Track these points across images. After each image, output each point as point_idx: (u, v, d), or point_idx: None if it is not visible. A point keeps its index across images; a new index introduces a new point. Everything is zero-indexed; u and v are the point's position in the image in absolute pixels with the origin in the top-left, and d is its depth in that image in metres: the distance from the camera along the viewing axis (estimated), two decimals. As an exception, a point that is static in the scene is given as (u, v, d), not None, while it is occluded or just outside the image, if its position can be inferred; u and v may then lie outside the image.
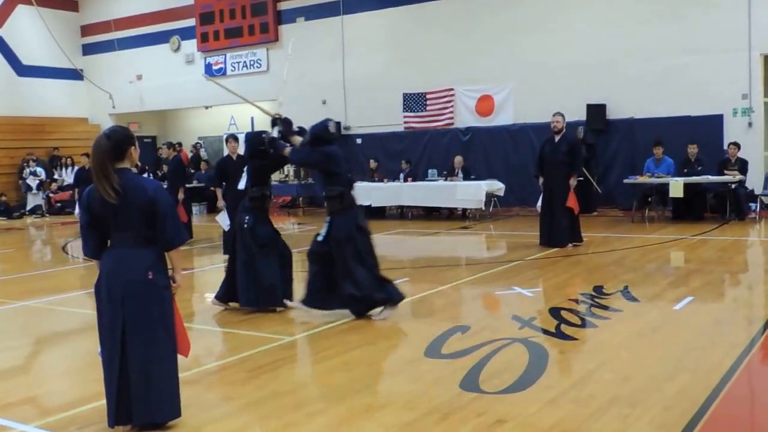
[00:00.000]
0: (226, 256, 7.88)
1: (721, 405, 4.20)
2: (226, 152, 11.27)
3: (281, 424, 4.14)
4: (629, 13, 14.92)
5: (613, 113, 15.17)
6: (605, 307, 6.71)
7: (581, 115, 15.17)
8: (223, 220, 9.74)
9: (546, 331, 5.90)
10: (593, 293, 7.34)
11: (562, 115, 10.59)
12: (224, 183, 10.27)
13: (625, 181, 13.79)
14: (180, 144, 14.45)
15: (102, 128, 23.71)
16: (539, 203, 10.75)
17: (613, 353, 5.30)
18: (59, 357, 6.32)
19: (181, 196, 12.37)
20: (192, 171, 20.50)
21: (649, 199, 13.82)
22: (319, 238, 6.76)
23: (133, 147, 4.02)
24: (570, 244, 10.44)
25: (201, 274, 10.41)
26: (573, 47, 15.45)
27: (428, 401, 4.42)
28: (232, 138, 10.81)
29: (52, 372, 5.78)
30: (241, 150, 9.23)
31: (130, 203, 3.90)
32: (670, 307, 6.70)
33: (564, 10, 15.60)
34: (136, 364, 3.94)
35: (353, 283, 6.47)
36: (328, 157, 6.71)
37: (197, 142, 22.64)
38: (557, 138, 10.49)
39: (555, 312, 6.53)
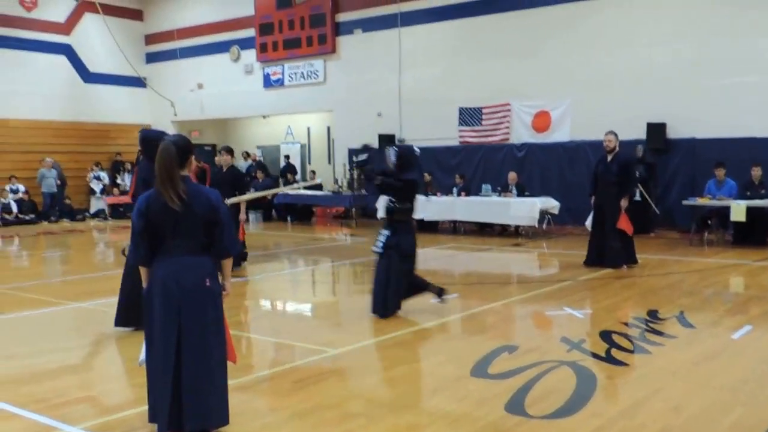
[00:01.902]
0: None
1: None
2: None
3: (323, 439, 4.14)
4: (693, 29, 14.57)
5: (674, 132, 14.81)
6: (659, 333, 6.53)
7: (640, 133, 14.86)
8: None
9: (596, 355, 5.77)
10: (647, 317, 7.16)
11: (615, 134, 10.44)
12: None
13: (685, 202, 13.44)
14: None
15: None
16: (588, 221, 10.65)
17: (665, 381, 5.14)
18: (107, 360, 6.44)
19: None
20: (248, 179, 20.79)
21: (709, 221, 13.43)
22: (378, 249, 7.27)
23: (192, 155, 4.11)
24: (625, 266, 10.22)
25: (254, 282, 10.51)
26: (633, 63, 15.17)
27: (472, 423, 4.36)
28: (225, 150, 10.67)
29: (99, 374, 5.90)
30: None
31: (192, 211, 3.95)
32: (728, 335, 6.48)
33: (625, 25, 15.32)
34: (190, 371, 3.97)
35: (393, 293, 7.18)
36: (414, 185, 7.43)
37: (243, 152, 22.99)
38: (609, 157, 10.36)
39: (606, 335, 6.38)
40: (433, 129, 17.87)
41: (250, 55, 21.89)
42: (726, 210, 12.59)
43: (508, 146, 16.99)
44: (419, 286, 7.52)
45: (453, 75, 17.69)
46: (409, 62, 18.51)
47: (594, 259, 10.45)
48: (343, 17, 19.88)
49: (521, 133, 16.82)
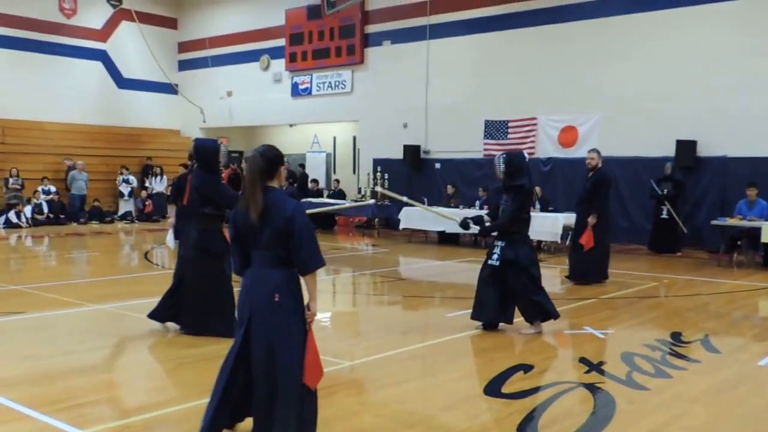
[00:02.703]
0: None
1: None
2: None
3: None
4: (726, 46, 14.30)
5: (705, 150, 14.54)
6: (682, 357, 6.35)
7: (670, 150, 14.62)
8: (170, 239, 9.50)
9: (615, 377, 5.61)
10: (670, 340, 6.97)
11: (597, 152, 10.49)
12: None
13: (714, 222, 13.17)
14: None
15: (193, 141, 24.59)
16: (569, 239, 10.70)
17: (686, 408, 4.97)
18: (123, 363, 6.43)
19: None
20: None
21: (739, 242, 13.13)
22: (494, 263, 7.14)
23: (282, 166, 4.05)
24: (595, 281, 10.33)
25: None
26: (664, 80, 14.94)
27: (482, 443, 4.25)
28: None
29: (115, 378, 5.88)
30: None
31: (270, 222, 3.87)
32: (755, 361, 6.27)
33: (655, 40, 15.10)
34: (259, 386, 3.91)
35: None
36: (526, 191, 7.22)
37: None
38: (590, 174, 10.43)
39: (627, 357, 6.21)
40: (458, 141, 17.78)
41: (279, 65, 22.04)
42: (757, 231, 12.31)
43: (533, 160, 16.77)
44: (539, 306, 7.28)
45: (480, 88, 17.60)
46: (436, 74, 18.46)
47: (572, 274, 10.65)
48: (372, 29, 19.91)
49: (547, 148, 16.66)
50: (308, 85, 21.31)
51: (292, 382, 3.87)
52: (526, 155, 7.64)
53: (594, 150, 10.59)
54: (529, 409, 4.83)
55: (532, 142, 16.79)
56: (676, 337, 7.10)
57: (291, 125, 23.09)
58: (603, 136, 15.68)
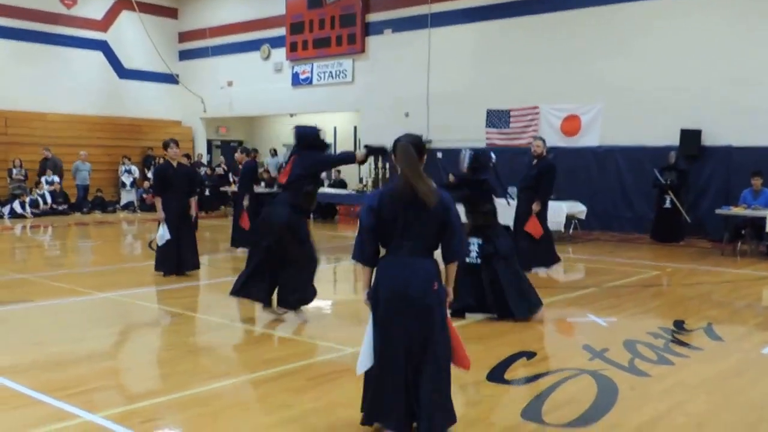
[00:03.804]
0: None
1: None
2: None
3: (334, 439, 4.09)
4: (732, 36, 14.25)
5: (709, 139, 14.51)
6: (685, 344, 6.37)
7: (674, 140, 14.60)
8: (162, 234, 9.44)
9: (618, 365, 5.63)
10: (673, 328, 7.00)
11: (543, 140, 10.57)
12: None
13: (718, 211, 13.16)
14: (255, 150, 14.60)
15: (194, 131, 24.71)
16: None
17: (688, 395, 4.99)
18: (130, 350, 6.48)
19: (245, 203, 12.11)
20: (267, 176, 20.88)
21: (743, 231, 13.13)
22: (473, 260, 7.15)
23: (425, 155, 4.05)
24: (534, 269, 10.11)
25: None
26: (668, 69, 14.89)
27: (487, 427, 4.28)
28: (174, 143, 9.83)
29: (123, 364, 5.92)
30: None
31: (427, 211, 3.87)
32: (758, 350, 6.28)
33: (660, 29, 15.05)
34: (425, 375, 3.90)
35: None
36: (488, 185, 7.42)
37: (272, 148, 23.11)
38: (534, 162, 10.42)
39: (630, 345, 6.24)
40: (460, 130, 17.75)
41: (279, 54, 22.00)
42: (761, 221, 12.31)
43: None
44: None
45: (482, 77, 17.56)
46: (437, 63, 18.41)
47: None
48: (373, 17, 19.85)
49: (550, 137, 16.55)
50: (309, 75, 21.27)
51: (447, 366, 4.00)
52: (494, 158, 7.79)
53: (540, 138, 10.71)
54: (533, 395, 4.86)
55: (534, 130, 16.76)
56: (679, 325, 7.12)
57: (291, 115, 23.05)
58: (606, 126, 15.67)
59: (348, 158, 7.62)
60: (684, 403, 4.81)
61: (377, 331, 3.96)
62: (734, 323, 7.37)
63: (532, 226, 10.19)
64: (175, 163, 9.76)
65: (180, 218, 9.67)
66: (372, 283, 4.01)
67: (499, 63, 17.27)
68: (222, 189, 20.24)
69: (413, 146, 3.93)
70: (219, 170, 22.51)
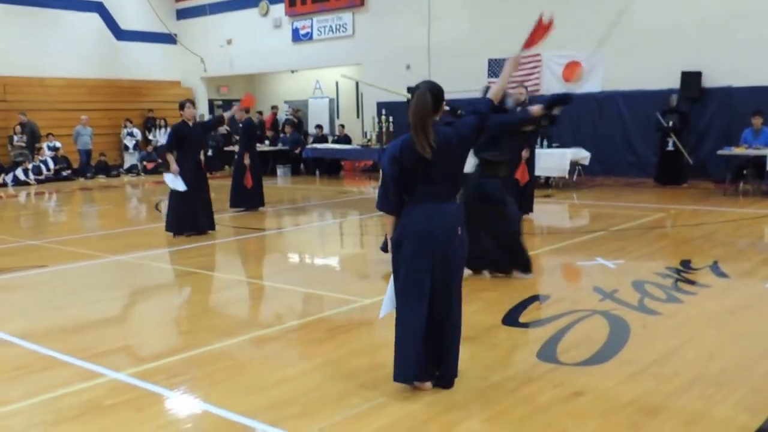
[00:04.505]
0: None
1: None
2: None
3: (356, 385, 4.22)
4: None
5: (710, 81, 14.45)
6: (692, 282, 6.49)
7: (675, 83, 14.55)
8: (176, 182, 9.58)
9: (628, 305, 5.76)
10: (680, 267, 7.12)
11: (526, 88, 10.60)
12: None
13: (720, 152, 13.19)
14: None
15: (195, 91, 24.58)
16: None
17: (699, 330, 5.13)
18: (148, 310, 6.61)
19: (246, 161, 12.01)
20: (271, 134, 20.88)
21: (745, 171, 13.18)
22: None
23: (444, 102, 4.06)
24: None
25: (283, 235, 10.62)
26: (668, 11, 14.73)
27: (504, 369, 4.41)
28: (190, 103, 10.03)
29: (141, 324, 6.05)
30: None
31: (444, 156, 3.92)
32: (763, 284, 6.43)
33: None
34: (449, 320, 4.03)
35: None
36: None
37: (274, 105, 23.02)
38: (518, 110, 10.35)
39: (639, 285, 6.36)
40: (462, 81, 17.56)
41: (279, 10, 21.74)
42: (762, 160, 12.35)
43: (538, 98, 16.72)
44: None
45: (482, 26, 17.40)
46: (438, 14, 18.22)
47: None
48: (372, -30, 19.58)
49: (552, 84, 16.55)
50: (309, 30, 21.08)
51: (459, 313, 4.09)
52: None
53: (522, 86, 10.66)
54: (547, 336, 4.99)
55: (537, 78, 16.70)
56: (686, 264, 7.24)
57: (292, 71, 22.92)
58: (608, 70, 15.58)
59: (528, 119, 7.33)
60: (694, 337, 4.95)
61: (401, 274, 4.04)
62: (739, 260, 7.48)
63: (521, 173, 10.26)
64: (191, 123, 9.87)
65: (194, 177, 9.76)
66: (397, 230, 4.06)
67: (499, 12, 17.08)
68: (226, 149, 20.25)
69: (430, 93, 3.91)
70: (222, 130, 22.46)
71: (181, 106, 9.92)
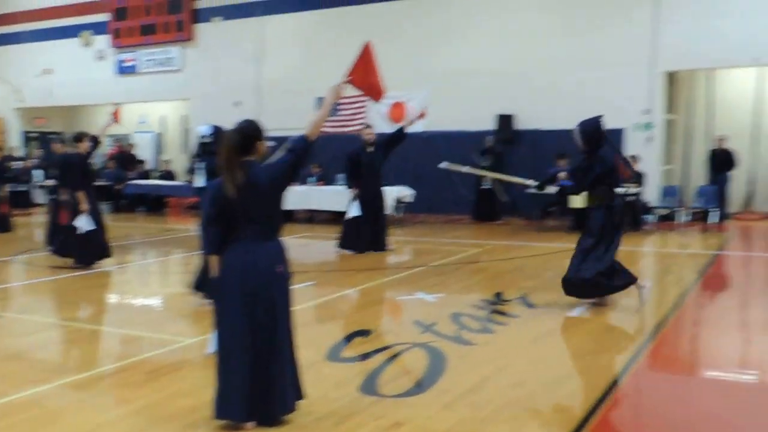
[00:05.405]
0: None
1: (609, 408, 4.43)
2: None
3: (179, 427, 4.12)
4: (538, 27, 15.51)
5: (521, 124, 15.68)
6: (504, 313, 6.95)
7: (491, 124, 15.61)
8: (85, 222, 9.40)
9: (446, 336, 6.06)
10: (494, 299, 7.59)
11: (371, 127, 11.46)
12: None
13: (528, 190, 14.22)
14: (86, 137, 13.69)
15: (6, 121, 22.90)
16: (355, 211, 11.06)
17: (509, 358, 5.50)
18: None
19: (65, 197, 10.35)
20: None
21: (551, 209, 14.33)
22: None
23: (260, 141, 4.04)
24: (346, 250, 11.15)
25: (103, 273, 10.13)
26: (484, 57, 15.89)
27: (326, 405, 4.48)
28: (87, 136, 9.90)
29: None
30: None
31: (252, 196, 3.92)
32: (565, 313, 6.98)
33: (476, 20, 16.04)
34: (273, 358, 4.01)
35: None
36: (606, 163, 7.08)
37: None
38: (371, 149, 11.17)
39: (456, 317, 6.71)
40: (292, 118, 17.79)
41: (103, 41, 20.98)
42: (566, 198, 13.45)
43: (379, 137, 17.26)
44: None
45: (312, 65, 17.75)
46: (269, 51, 18.39)
47: (372, 245, 11.16)
48: (201, 4, 19.48)
49: (378, 124, 17.12)
50: (134, 63, 20.48)
51: (289, 349, 4.13)
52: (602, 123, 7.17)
53: (370, 126, 11.49)
54: (369, 370, 5.13)
55: (363, 118, 17.19)
56: (499, 296, 7.74)
57: (117, 104, 22.04)
58: (430, 112, 16.38)
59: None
60: (506, 366, 5.30)
61: (222, 312, 4.05)
62: (545, 291, 8.07)
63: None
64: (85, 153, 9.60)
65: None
66: (219, 269, 4.08)
67: (329, 51, 17.48)
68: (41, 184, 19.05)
69: (238, 133, 4.00)
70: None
71: (79, 139, 9.69)
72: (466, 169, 8.95)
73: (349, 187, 11.32)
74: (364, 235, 11.08)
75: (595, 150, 6.96)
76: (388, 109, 17.02)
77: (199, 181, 7.29)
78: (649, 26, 14.84)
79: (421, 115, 11.16)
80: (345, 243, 11.23)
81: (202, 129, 7.53)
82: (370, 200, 11.16)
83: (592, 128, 6.96)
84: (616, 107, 14.76)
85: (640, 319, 6.84)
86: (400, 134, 11.05)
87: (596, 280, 6.80)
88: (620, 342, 6.09)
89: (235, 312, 3.99)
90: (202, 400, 4.48)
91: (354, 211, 11.05)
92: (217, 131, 7.16)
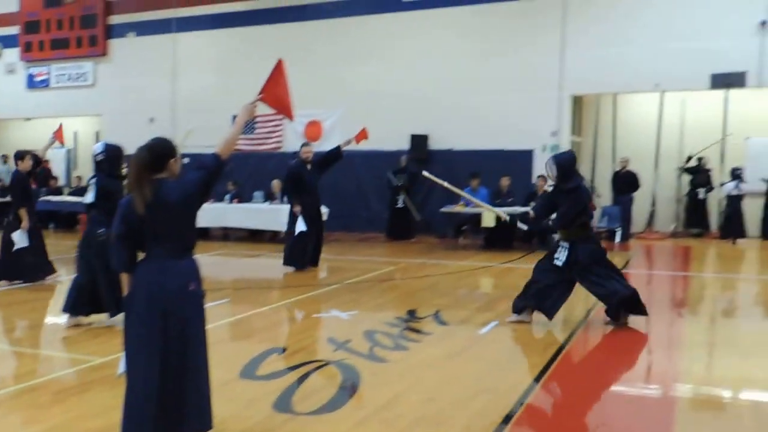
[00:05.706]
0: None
1: (517, 423, 4.61)
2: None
3: (87, 450, 4.06)
4: (452, 49, 15.98)
5: (435, 144, 16.05)
6: (417, 331, 7.10)
7: (405, 144, 15.90)
8: (21, 238, 9.38)
9: (360, 353, 6.15)
10: (407, 317, 7.74)
11: (310, 145, 11.58)
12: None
13: (443, 209, 14.57)
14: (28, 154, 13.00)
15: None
16: (302, 227, 11.00)
17: (421, 375, 5.63)
18: None
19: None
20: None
21: (464, 227, 14.70)
22: (558, 263, 7.18)
23: (172, 159, 3.98)
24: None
25: (12, 291, 9.77)
26: (400, 78, 16.24)
27: (239, 423, 4.50)
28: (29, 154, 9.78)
29: None
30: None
31: (161, 213, 3.86)
32: (476, 330, 7.18)
33: (392, 41, 16.40)
34: (186, 379, 3.94)
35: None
36: (579, 193, 7.11)
37: (3, 155, 21.25)
38: (310, 167, 11.23)
39: (370, 335, 6.81)
40: (207, 136, 17.64)
41: (13, 54, 20.32)
42: (478, 217, 13.85)
43: (279, 155, 17.28)
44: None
45: (228, 83, 17.68)
46: (184, 68, 18.23)
47: (314, 260, 11.29)
48: (116, 19, 19.13)
49: (294, 142, 17.18)
50: (46, 77, 19.94)
51: (204, 367, 4.08)
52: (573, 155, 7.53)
53: (309, 144, 11.56)
54: (283, 388, 5.17)
55: (279, 136, 17.26)
56: (412, 314, 7.89)
57: (27, 119, 21.33)
58: (346, 131, 16.51)
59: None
60: (417, 382, 5.43)
61: (131, 331, 3.99)
62: (458, 309, 8.30)
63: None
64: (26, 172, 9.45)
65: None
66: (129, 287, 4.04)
67: (244, 69, 17.44)
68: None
69: (148, 150, 3.98)
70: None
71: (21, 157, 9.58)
72: (446, 184, 9.11)
73: (291, 204, 11.17)
74: (308, 251, 11.06)
75: (566, 182, 7.10)
76: (304, 127, 17.11)
77: (89, 197, 7.23)
78: (557, 52, 15.51)
79: (363, 135, 11.14)
80: (290, 260, 11.12)
81: (96, 146, 7.54)
82: (315, 216, 11.15)
83: (568, 162, 7.14)
84: (526, 129, 15.38)
85: (548, 336, 7.11)
86: (336, 153, 11.09)
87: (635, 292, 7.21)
88: (529, 358, 6.33)
89: (143, 331, 3.94)
90: (110, 422, 4.42)
91: (300, 226, 10.93)
92: (108, 149, 7.29)
